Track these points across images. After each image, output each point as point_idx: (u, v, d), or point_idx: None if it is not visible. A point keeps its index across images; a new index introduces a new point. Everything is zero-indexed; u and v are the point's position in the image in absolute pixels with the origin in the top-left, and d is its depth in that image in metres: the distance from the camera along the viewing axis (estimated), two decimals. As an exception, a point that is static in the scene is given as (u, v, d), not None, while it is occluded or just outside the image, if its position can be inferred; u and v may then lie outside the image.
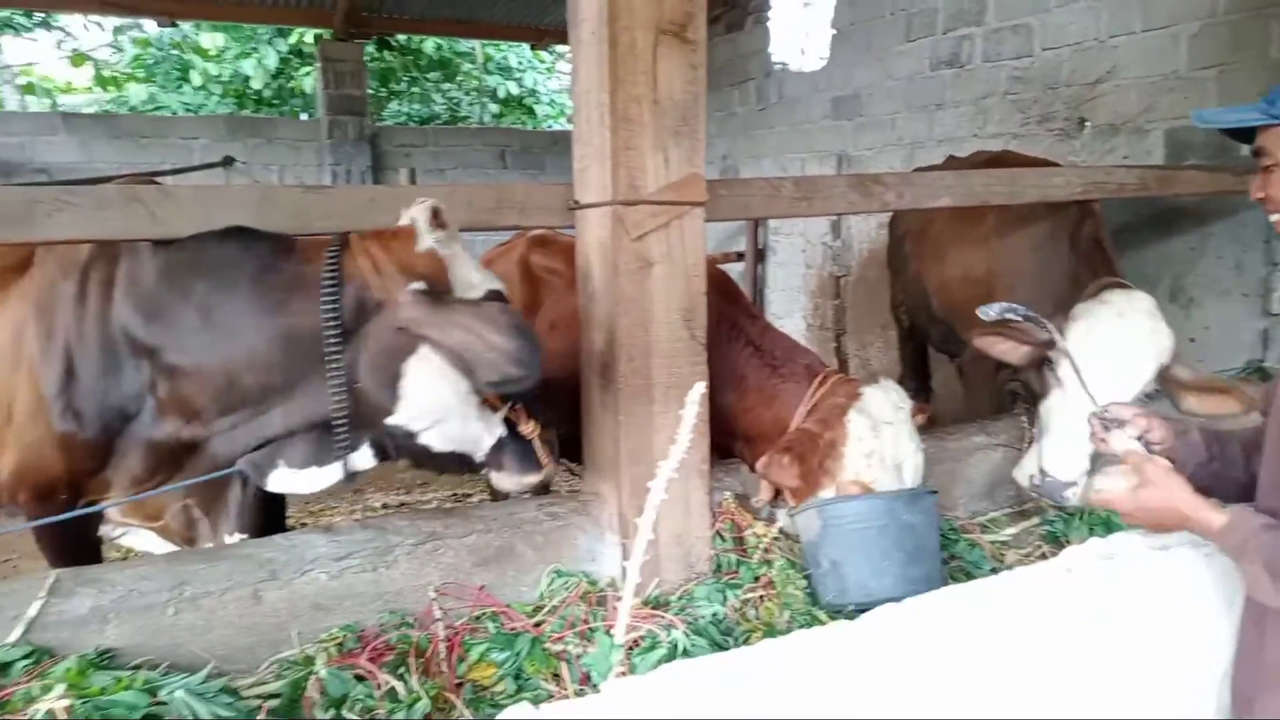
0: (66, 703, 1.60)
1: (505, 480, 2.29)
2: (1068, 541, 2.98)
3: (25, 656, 1.83)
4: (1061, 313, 3.06)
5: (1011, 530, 3.04)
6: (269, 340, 2.13)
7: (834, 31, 6.24)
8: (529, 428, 2.26)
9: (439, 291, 2.09)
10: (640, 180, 2.37)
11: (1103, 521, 2.98)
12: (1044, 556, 2.95)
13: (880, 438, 2.37)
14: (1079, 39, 5.10)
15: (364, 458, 2.25)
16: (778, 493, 2.62)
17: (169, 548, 2.52)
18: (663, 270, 2.46)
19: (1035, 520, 3.12)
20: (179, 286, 2.18)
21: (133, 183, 2.66)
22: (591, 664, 2.00)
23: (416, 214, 2.16)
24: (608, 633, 1.99)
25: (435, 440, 2.21)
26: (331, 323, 2.07)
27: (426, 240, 2.13)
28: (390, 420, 2.17)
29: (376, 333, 2.10)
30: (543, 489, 2.58)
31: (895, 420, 2.41)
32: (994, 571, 2.74)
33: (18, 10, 12.18)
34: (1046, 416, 2.86)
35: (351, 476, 2.25)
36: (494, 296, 2.18)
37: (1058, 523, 3.07)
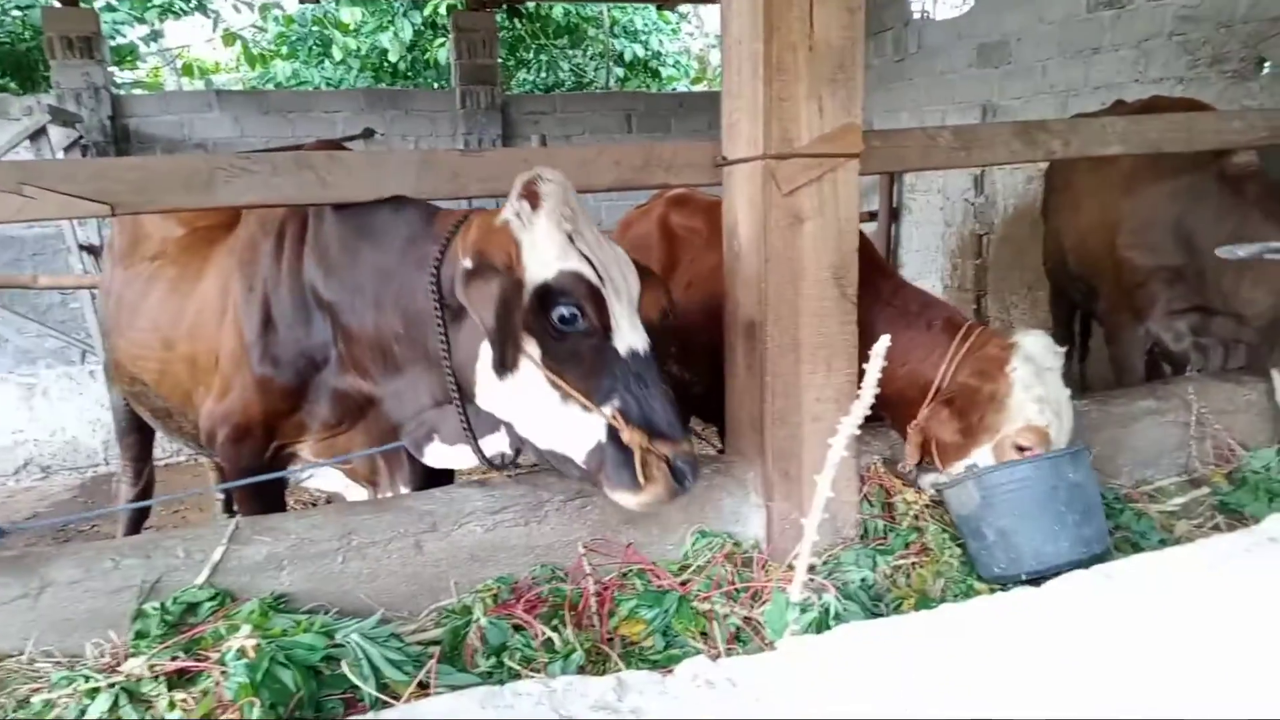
0: (253, 642, 1.69)
1: (609, 493, 1.99)
2: (1242, 511, 2.79)
3: (211, 598, 1.96)
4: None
5: (1180, 499, 2.85)
6: (404, 310, 2.18)
7: (980, -25, 5.92)
8: (630, 435, 1.91)
9: (497, 269, 1.94)
10: (793, 132, 2.30)
11: (1281, 493, 2.77)
12: (1217, 528, 2.76)
13: (1046, 384, 2.24)
14: (1261, -31, 4.66)
15: (495, 442, 2.19)
16: (923, 456, 2.53)
17: (354, 488, 2.64)
18: (814, 226, 2.39)
19: (1205, 490, 2.92)
20: (348, 249, 2.27)
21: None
22: (767, 620, 1.98)
23: (515, 186, 2.03)
24: (782, 590, 1.96)
25: (529, 432, 2.06)
26: (434, 299, 2.07)
27: (502, 215, 2.02)
28: (478, 404, 2.10)
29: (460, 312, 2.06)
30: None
31: (1054, 367, 2.29)
32: (1163, 543, 2.58)
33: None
34: None
35: (509, 463, 2.23)
36: (566, 278, 1.96)
37: (1231, 492, 2.86)
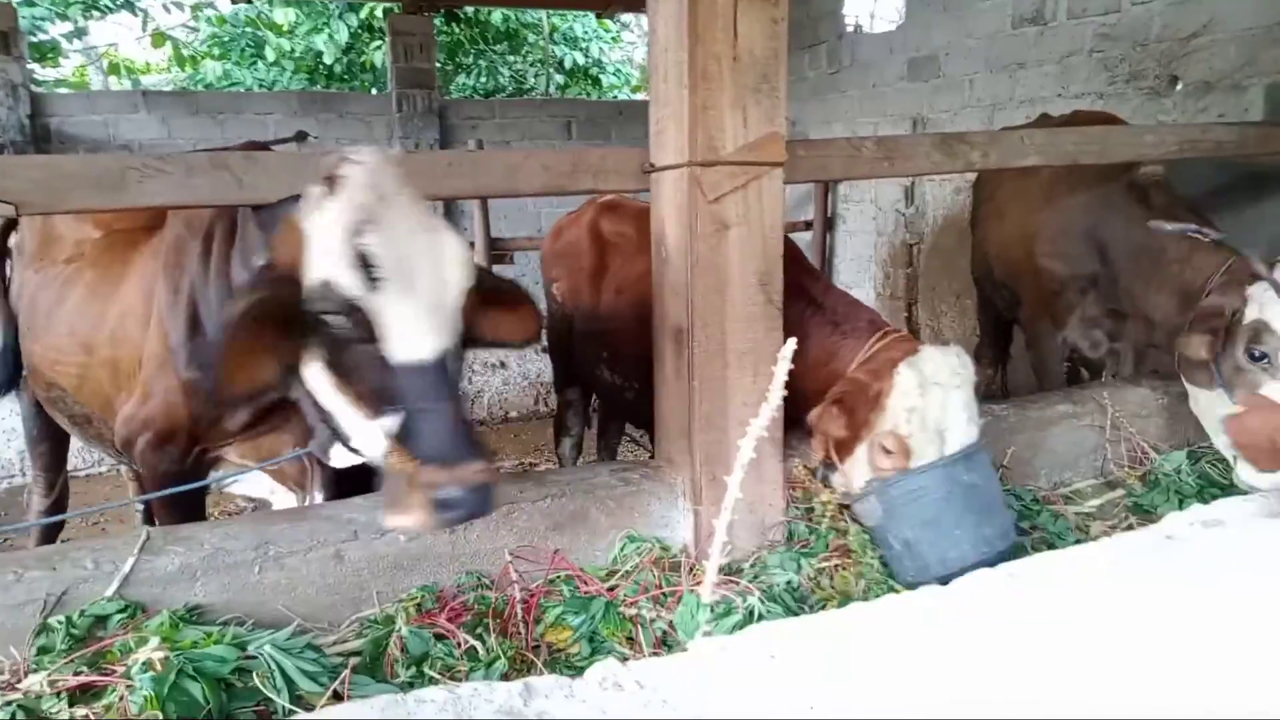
0: (162, 654, 1.64)
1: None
2: (1154, 511, 2.88)
3: (120, 610, 1.89)
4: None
5: (1096, 501, 2.94)
6: None
7: (910, -10, 6.06)
8: (393, 458, 1.72)
9: (278, 268, 1.82)
10: (718, 140, 2.32)
11: (1195, 493, 2.87)
12: (1130, 528, 2.85)
13: (926, 397, 2.28)
14: (1173, -9, 4.85)
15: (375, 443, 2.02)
16: (828, 452, 2.56)
17: (281, 492, 2.58)
18: (740, 233, 2.41)
19: (1120, 491, 3.01)
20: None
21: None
22: (678, 623, 1.99)
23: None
24: (693, 592, 1.97)
25: (349, 438, 1.94)
26: None
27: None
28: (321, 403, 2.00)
29: None
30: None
31: (948, 385, 2.32)
32: (1078, 543, 2.65)
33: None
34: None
35: None
36: (326, 281, 1.77)
37: (1144, 494, 2.96)
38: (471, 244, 8.20)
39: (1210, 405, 2.80)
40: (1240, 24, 4.53)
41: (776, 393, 1.75)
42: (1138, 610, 1.28)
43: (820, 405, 2.47)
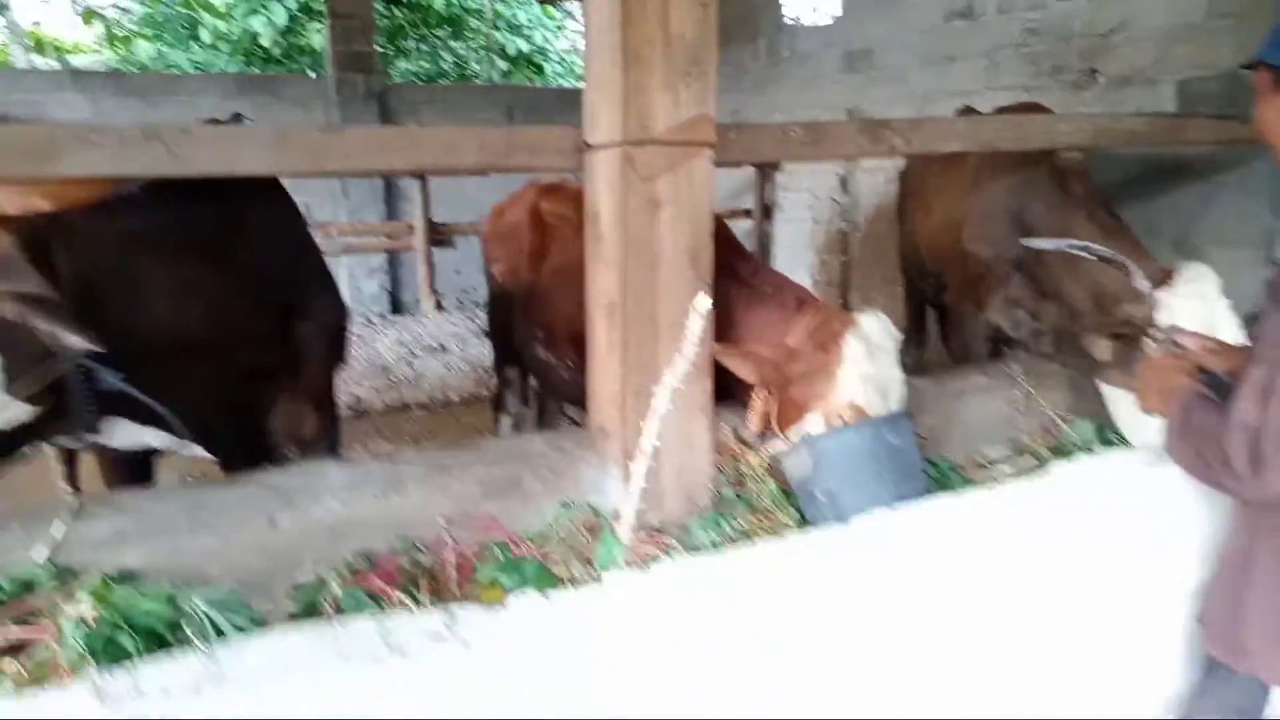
0: (93, 612, 1.66)
1: None
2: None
3: (51, 577, 1.90)
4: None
5: (1008, 469, 3.08)
6: None
7: (847, -17, 6.20)
8: None
9: None
10: (650, 120, 2.39)
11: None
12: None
13: (876, 363, 2.40)
14: (1093, -11, 5.06)
15: None
16: (767, 424, 2.67)
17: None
18: (671, 212, 2.48)
19: (1031, 460, 3.16)
20: None
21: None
22: (597, 561, 2.05)
23: None
24: (612, 532, 2.04)
25: None
26: None
27: None
28: None
29: None
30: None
31: (886, 349, 2.45)
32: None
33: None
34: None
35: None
36: None
37: (1058, 463, 3.11)
38: (411, 226, 8.18)
39: (1117, 399, 2.93)
40: (1154, 22, 4.75)
41: (690, 345, 1.83)
42: (1025, 544, 1.40)
43: (775, 385, 2.55)
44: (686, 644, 1.20)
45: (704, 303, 1.86)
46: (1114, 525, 1.62)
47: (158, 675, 1.05)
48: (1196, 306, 2.65)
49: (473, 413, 6.89)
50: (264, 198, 2.97)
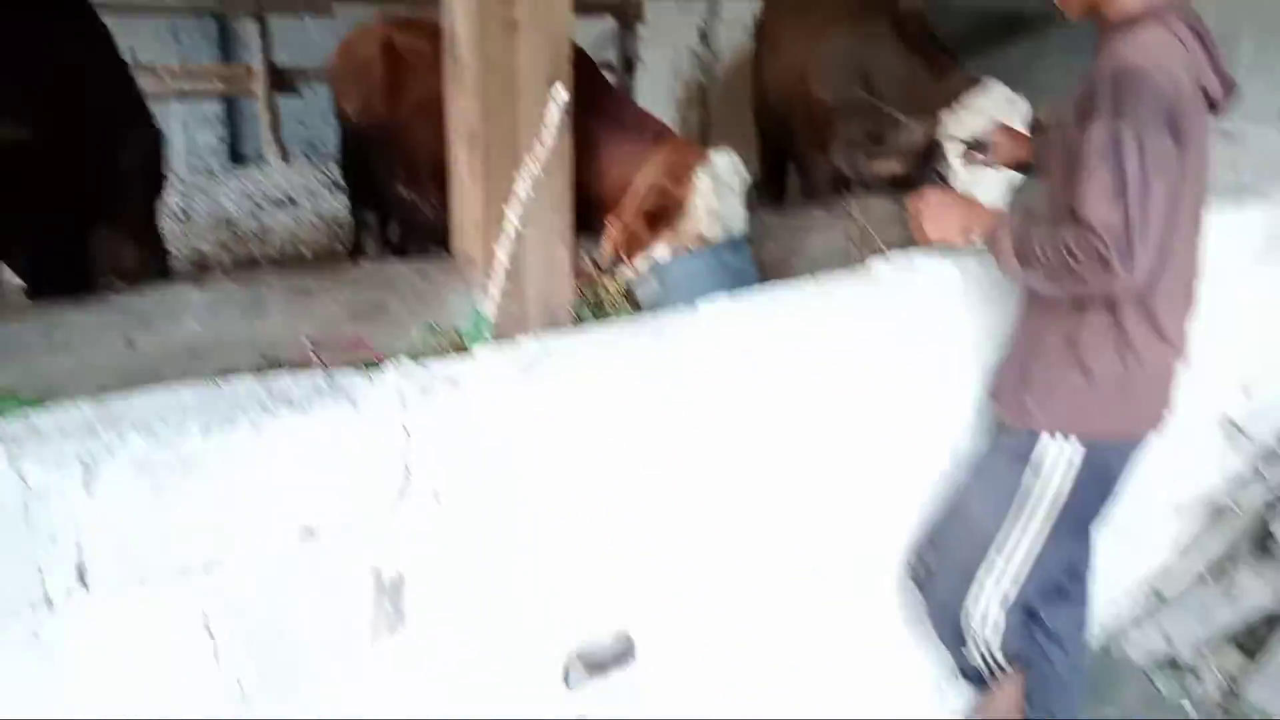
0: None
1: None
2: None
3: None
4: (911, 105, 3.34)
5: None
6: None
7: None
8: None
9: None
10: (505, -64, 2.36)
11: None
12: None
13: (722, 199, 2.54)
14: None
15: None
16: (617, 252, 2.79)
17: None
18: (530, 35, 2.48)
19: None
20: None
21: None
22: (465, 337, 2.15)
23: None
24: (479, 310, 2.12)
25: None
26: None
27: None
28: None
29: None
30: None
31: (734, 186, 2.59)
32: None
33: None
34: None
35: None
36: None
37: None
38: (250, 70, 7.67)
39: None
40: None
41: (549, 133, 1.90)
42: (838, 327, 1.62)
43: (628, 214, 2.64)
44: (548, 413, 1.34)
45: (561, 94, 1.92)
46: (922, 313, 1.87)
47: (50, 419, 1.10)
48: (983, 122, 2.94)
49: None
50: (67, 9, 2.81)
